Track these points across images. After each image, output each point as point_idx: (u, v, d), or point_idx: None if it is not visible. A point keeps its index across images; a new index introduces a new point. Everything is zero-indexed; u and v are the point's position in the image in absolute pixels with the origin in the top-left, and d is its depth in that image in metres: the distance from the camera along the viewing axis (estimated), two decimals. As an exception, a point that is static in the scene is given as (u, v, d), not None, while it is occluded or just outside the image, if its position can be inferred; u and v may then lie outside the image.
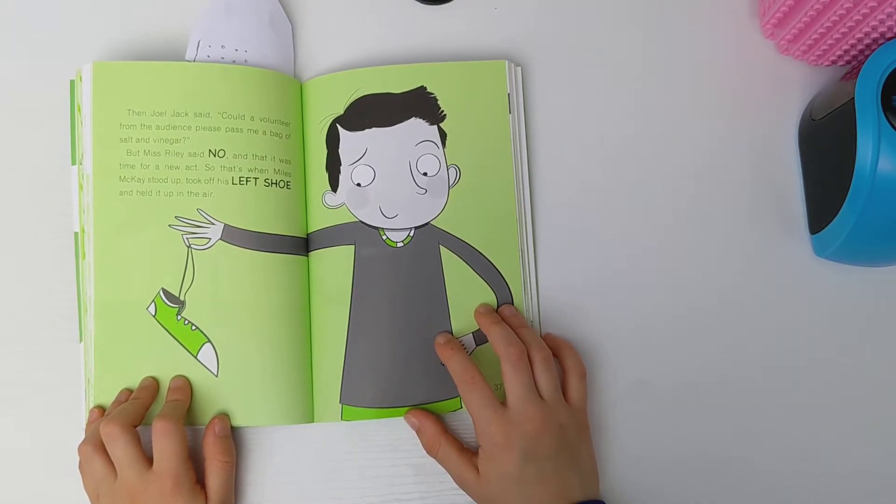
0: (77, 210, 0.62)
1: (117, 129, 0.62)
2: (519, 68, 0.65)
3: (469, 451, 0.59)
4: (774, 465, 0.62)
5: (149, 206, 0.61)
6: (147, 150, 0.62)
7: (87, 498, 0.58)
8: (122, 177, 0.61)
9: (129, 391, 0.60)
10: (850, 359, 0.64)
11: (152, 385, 0.60)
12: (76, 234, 0.62)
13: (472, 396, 0.57)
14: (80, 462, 0.59)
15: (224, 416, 0.60)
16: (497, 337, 0.59)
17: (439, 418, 0.61)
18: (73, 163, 0.63)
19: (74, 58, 0.64)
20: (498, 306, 0.63)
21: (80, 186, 0.62)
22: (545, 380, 0.58)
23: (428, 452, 0.60)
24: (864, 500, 0.62)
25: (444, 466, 0.60)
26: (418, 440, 0.61)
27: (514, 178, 0.64)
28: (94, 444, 0.57)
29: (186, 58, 0.64)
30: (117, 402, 0.60)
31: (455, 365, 0.59)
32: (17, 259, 0.64)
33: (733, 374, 0.63)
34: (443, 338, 0.61)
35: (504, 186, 0.63)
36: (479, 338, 0.62)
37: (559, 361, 0.60)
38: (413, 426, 0.61)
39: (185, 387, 0.60)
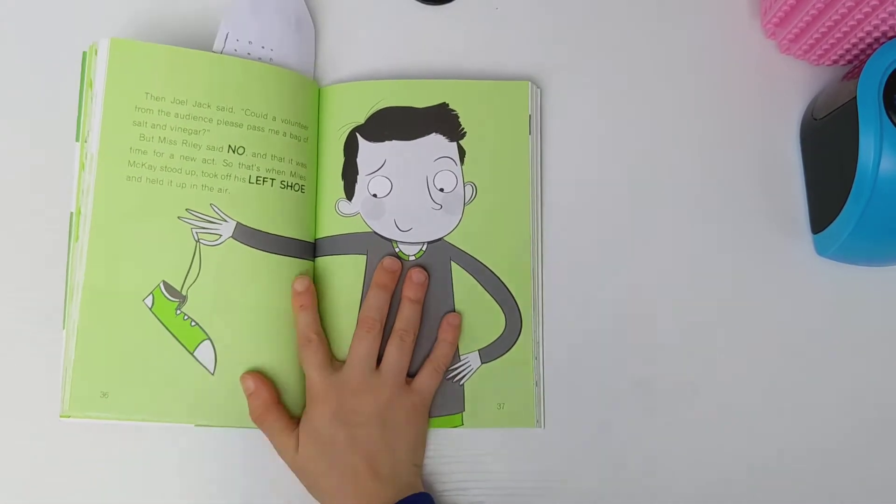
0: (76, 190, 0.59)
1: (132, 112, 0.59)
2: (539, 90, 0.66)
3: (293, 424, 0.59)
4: (776, 464, 0.62)
5: (158, 195, 0.59)
6: (163, 138, 0.60)
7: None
8: (132, 161, 0.59)
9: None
10: (851, 358, 0.63)
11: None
12: (72, 213, 0.59)
13: (306, 357, 0.59)
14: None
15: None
16: (368, 300, 0.61)
17: (275, 388, 0.59)
18: (77, 139, 0.60)
19: (92, 28, 0.62)
20: (506, 326, 0.63)
21: (82, 165, 0.59)
22: (391, 356, 0.60)
23: (254, 419, 0.59)
24: (864, 500, 0.62)
25: (267, 435, 0.59)
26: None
27: (531, 197, 0.64)
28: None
29: (214, 48, 0.63)
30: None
31: (300, 321, 0.60)
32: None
33: (735, 373, 0.63)
34: (300, 284, 0.60)
35: (520, 205, 0.64)
36: (485, 355, 0.62)
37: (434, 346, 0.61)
38: (247, 390, 0.59)
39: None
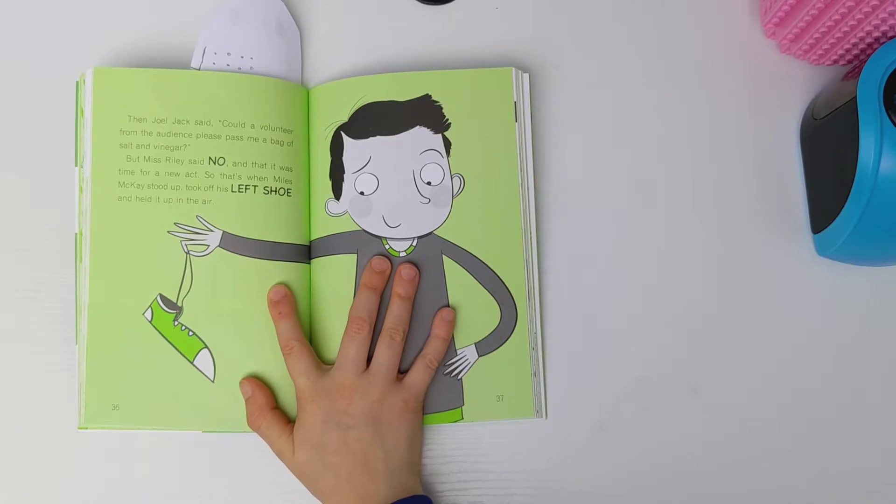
0: (77, 212, 0.62)
1: (117, 135, 0.61)
2: (526, 75, 0.64)
3: (291, 427, 0.59)
4: (775, 464, 0.62)
5: (148, 213, 0.61)
6: (147, 157, 0.61)
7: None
8: (122, 182, 0.61)
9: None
10: (851, 358, 0.63)
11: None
12: (76, 235, 0.62)
13: (291, 364, 0.59)
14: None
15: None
16: (356, 301, 0.60)
17: (271, 393, 0.60)
18: (76, 164, 0.62)
19: (85, 58, 0.65)
20: (501, 318, 0.61)
21: (80, 189, 0.62)
22: (380, 355, 0.59)
23: (250, 424, 0.59)
24: (864, 500, 0.62)
25: (264, 439, 0.59)
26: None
27: (520, 186, 0.63)
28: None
29: (192, 65, 0.64)
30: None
31: (279, 330, 0.60)
32: (21, 256, 0.64)
33: (734, 373, 0.63)
34: (276, 294, 0.60)
35: (509, 195, 0.62)
36: (482, 348, 0.61)
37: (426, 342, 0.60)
38: (245, 395, 0.60)
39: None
